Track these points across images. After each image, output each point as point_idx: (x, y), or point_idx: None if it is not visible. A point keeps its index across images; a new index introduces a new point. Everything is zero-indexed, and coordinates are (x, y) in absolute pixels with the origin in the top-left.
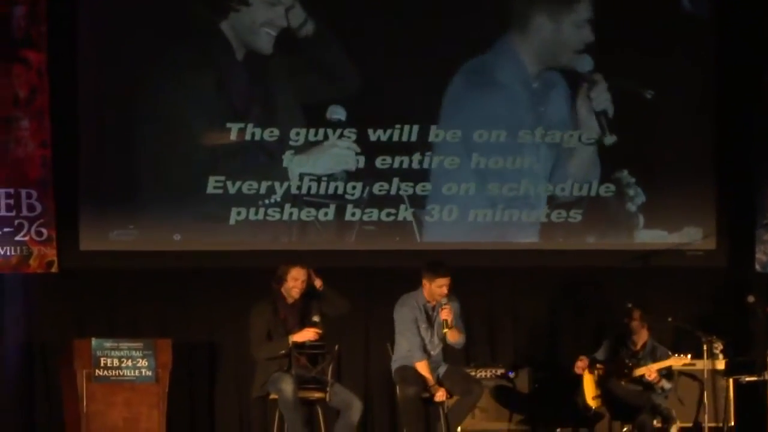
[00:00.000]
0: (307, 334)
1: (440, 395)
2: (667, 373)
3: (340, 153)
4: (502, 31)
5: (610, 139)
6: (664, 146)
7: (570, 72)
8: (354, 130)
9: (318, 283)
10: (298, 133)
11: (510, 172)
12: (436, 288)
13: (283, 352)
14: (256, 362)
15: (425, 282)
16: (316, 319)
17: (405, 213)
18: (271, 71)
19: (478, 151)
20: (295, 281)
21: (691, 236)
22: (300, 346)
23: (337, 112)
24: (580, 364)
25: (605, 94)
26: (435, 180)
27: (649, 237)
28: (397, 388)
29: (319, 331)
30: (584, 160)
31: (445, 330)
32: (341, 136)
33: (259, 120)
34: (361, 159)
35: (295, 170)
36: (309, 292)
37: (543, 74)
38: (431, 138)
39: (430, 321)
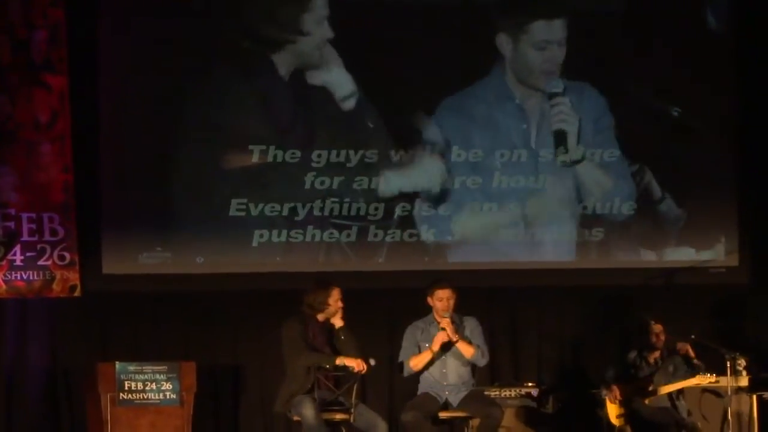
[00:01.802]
0: (356, 363)
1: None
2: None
3: (433, 169)
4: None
5: (568, 156)
6: (689, 163)
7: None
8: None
9: (339, 322)
10: (396, 152)
11: (531, 190)
12: (438, 302)
13: (328, 366)
14: (286, 376)
15: (429, 300)
16: (372, 362)
17: (427, 234)
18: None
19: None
20: (337, 303)
21: (716, 253)
22: (322, 368)
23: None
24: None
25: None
26: (456, 200)
27: (678, 255)
28: None
29: (366, 367)
30: (606, 177)
31: (452, 338)
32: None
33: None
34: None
35: (392, 188)
36: None
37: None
38: (453, 158)
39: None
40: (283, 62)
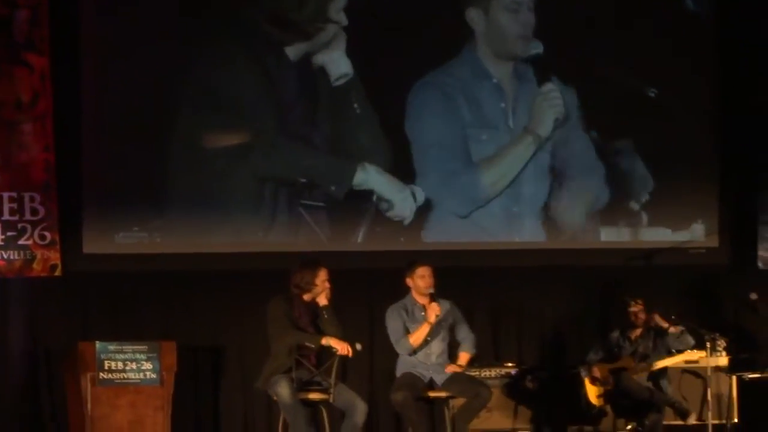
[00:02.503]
0: (342, 346)
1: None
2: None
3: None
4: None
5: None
6: (667, 144)
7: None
8: None
9: (324, 300)
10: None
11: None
12: (419, 280)
13: (314, 346)
14: (270, 355)
15: (408, 281)
16: (358, 347)
17: (400, 211)
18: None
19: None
20: (324, 283)
21: (694, 234)
22: (303, 347)
23: None
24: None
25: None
26: (434, 179)
27: (653, 235)
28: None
29: (352, 352)
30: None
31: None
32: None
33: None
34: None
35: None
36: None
37: (511, 71)
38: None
39: (419, 323)
40: (296, 48)
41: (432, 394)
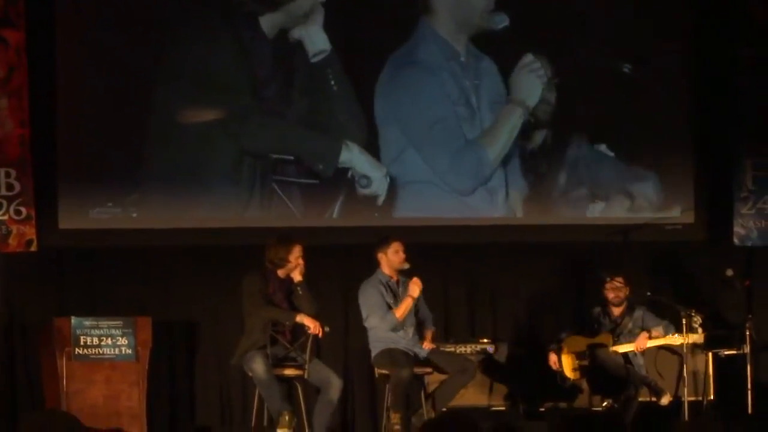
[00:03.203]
0: (314, 325)
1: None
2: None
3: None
4: (416, 17)
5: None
6: (642, 121)
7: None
8: None
9: (298, 276)
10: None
11: (459, 149)
12: (393, 255)
13: (288, 323)
14: (244, 330)
15: (381, 255)
16: (326, 329)
17: (380, 190)
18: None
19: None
20: (298, 260)
21: (669, 210)
22: (277, 323)
23: None
24: (553, 359)
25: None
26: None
27: (630, 211)
28: (388, 371)
29: (321, 332)
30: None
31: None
32: None
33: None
34: None
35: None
36: None
37: (469, 47)
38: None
39: (397, 298)
40: (270, 20)
41: (420, 369)
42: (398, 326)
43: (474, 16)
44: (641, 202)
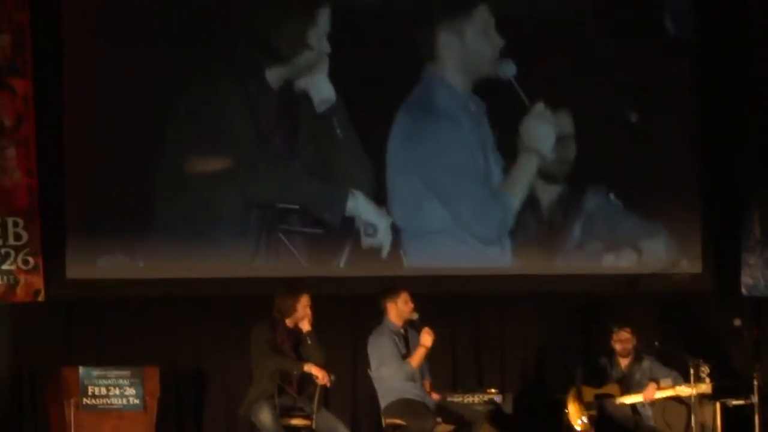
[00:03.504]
0: (321, 375)
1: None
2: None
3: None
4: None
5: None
6: (649, 170)
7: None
8: None
9: (307, 326)
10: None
11: (485, 197)
12: (403, 305)
13: (296, 372)
14: (253, 381)
15: (390, 305)
16: (332, 378)
17: (385, 240)
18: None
19: (447, 178)
20: (305, 309)
21: (677, 261)
22: (285, 373)
23: None
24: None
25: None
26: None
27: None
28: (407, 423)
29: (329, 381)
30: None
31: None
32: None
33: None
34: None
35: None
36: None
37: (474, 96)
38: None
39: (407, 347)
40: (276, 72)
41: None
42: (414, 376)
43: (482, 63)
44: (649, 258)
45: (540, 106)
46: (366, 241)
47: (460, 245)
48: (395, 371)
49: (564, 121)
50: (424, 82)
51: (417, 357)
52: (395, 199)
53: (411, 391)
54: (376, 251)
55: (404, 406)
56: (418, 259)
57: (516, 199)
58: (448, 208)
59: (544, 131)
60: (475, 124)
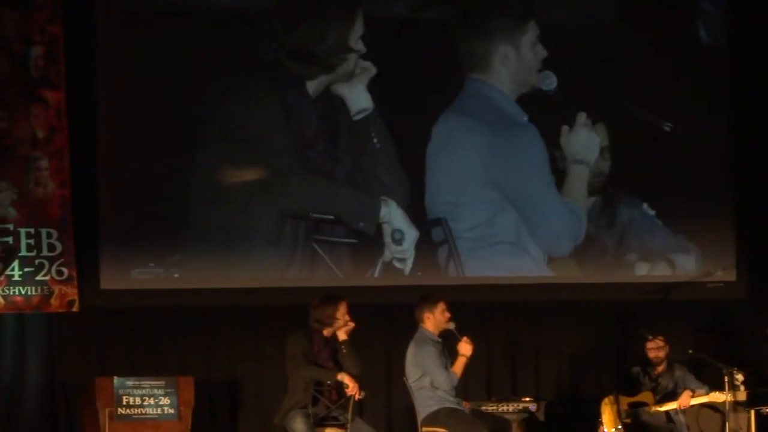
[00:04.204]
0: (352, 386)
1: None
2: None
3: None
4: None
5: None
6: (683, 177)
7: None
8: None
9: (343, 335)
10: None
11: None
12: (440, 315)
13: (329, 382)
14: (288, 390)
15: (428, 315)
16: (363, 394)
17: (407, 248)
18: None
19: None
20: (345, 317)
21: (712, 269)
22: (320, 383)
23: None
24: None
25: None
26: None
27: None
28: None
29: (358, 394)
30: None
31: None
32: None
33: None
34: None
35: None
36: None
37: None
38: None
39: (444, 355)
40: (315, 82)
41: None
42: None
43: (530, 76)
44: (684, 267)
45: (582, 117)
46: (389, 253)
47: (515, 257)
48: (442, 381)
49: (600, 133)
50: (472, 93)
51: (459, 366)
52: (468, 209)
53: (450, 400)
54: (401, 261)
55: (450, 415)
56: (451, 269)
57: (583, 210)
58: (530, 224)
59: (590, 142)
60: (533, 136)
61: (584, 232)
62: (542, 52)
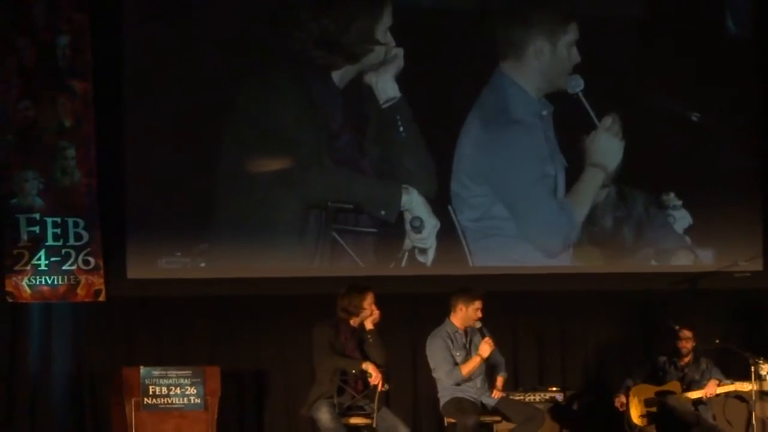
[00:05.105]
0: (376, 375)
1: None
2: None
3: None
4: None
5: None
6: (710, 168)
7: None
8: None
9: (369, 325)
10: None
11: (553, 210)
12: (473, 311)
13: (354, 371)
14: (315, 380)
15: (461, 307)
16: (386, 387)
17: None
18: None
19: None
20: (371, 306)
21: (738, 258)
22: (345, 372)
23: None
24: (620, 400)
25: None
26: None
27: (698, 259)
28: (455, 420)
29: (381, 385)
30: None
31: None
32: None
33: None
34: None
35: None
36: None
37: (544, 101)
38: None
39: (466, 348)
40: (342, 72)
41: (487, 418)
42: (463, 381)
43: (560, 76)
44: (710, 256)
45: (608, 121)
46: (410, 241)
47: (524, 252)
48: (442, 375)
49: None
50: (496, 85)
51: (470, 365)
52: (465, 202)
53: (465, 390)
54: (423, 252)
55: (455, 404)
56: (480, 260)
57: (581, 213)
58: (517, 219)
59: (612, 148)
60: (546, 132)
61: (576, 233)
62: (576, 57)
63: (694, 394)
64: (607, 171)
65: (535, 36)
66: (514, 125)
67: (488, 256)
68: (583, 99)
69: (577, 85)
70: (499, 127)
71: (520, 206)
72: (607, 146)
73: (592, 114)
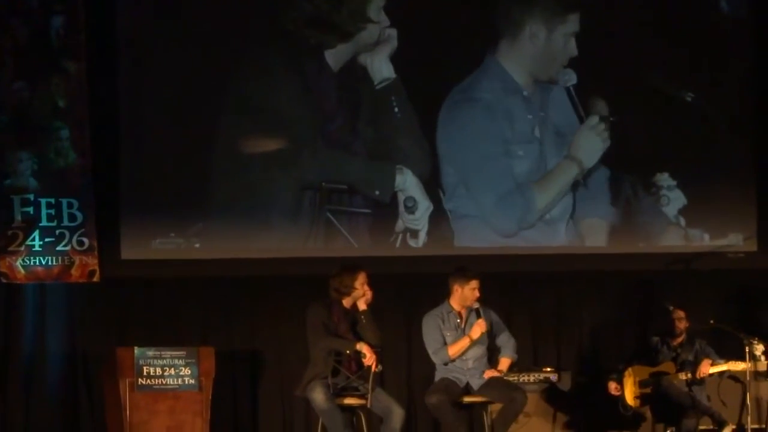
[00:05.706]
0: (370, 356)
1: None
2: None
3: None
4: (491, 47)
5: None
6: (705, 148)
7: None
8: None
9: (363, 305)
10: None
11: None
12: (470, 291)
13: (348, 352)
14: (309, 361)
15: (457, 287)
16: (380, 367)
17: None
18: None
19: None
20: (363, 286)
21: (732, 238)
22: (339, 353)
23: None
24: (614, 386)
25: None
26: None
27: (690, 240)
28: None
29: (374, 365)
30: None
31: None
32: None
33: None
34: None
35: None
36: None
37: (533, 84)
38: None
39: (460, 329)
40: (336, 51)
41: (467, 399)
42: (450, 361)
43: (551, 66)
44: (704, 236)
45: (594, 120)
46: (402, 222)
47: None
48: (430, 354)
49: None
50: (479, 69)
51: (457, 346)
52: (442, 183)
53: (452, 370)
54: (414, 234)
55: (437, 384)
56: (466, 242)
57: (544, 200)
58: (473, 197)
59: (593, 146)
60: (526, 110)
61: (533, 217)
62: (573, 50)
63: (687, 375)
64: (582, 167)
65: (534, 18)
66: (476, 107)
67: (465, 237)
68: (573, 94)
69: (569, 80)
70: (461, 109)
71: (473, 184)
72: (587, 144)
73: (580, 110)
